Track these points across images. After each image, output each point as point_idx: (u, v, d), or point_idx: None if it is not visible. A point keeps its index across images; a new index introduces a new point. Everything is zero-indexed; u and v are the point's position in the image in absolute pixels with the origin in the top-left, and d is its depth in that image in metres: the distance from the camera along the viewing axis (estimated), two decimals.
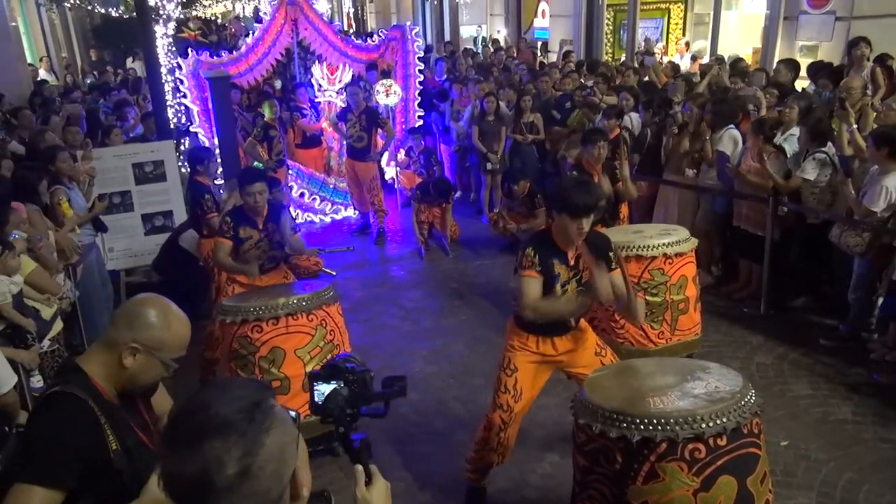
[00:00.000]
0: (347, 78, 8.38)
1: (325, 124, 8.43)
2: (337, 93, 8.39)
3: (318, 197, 8.42)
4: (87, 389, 1.83)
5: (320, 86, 8.39)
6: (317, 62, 8.33)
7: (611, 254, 3.25)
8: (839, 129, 4.99)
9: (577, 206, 3.01)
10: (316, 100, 8.40)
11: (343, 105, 8.15)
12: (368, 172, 7.73)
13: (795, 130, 5.43)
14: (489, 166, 7.97)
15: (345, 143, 7.98)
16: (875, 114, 5.34)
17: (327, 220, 8.50)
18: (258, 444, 1.07)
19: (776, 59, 8.21)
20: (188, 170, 6.94)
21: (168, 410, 2.06)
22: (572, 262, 3.20)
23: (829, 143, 5.12)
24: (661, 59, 10.07)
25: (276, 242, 4.44)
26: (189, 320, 1.97)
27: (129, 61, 15.78)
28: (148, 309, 1.89)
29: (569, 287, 3.21)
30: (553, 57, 12.08)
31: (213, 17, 22.00)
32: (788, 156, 5.37)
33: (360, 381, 1.59)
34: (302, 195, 8.30)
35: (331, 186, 8.50)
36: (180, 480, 1.06)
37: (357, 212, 8.34)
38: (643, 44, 10.60)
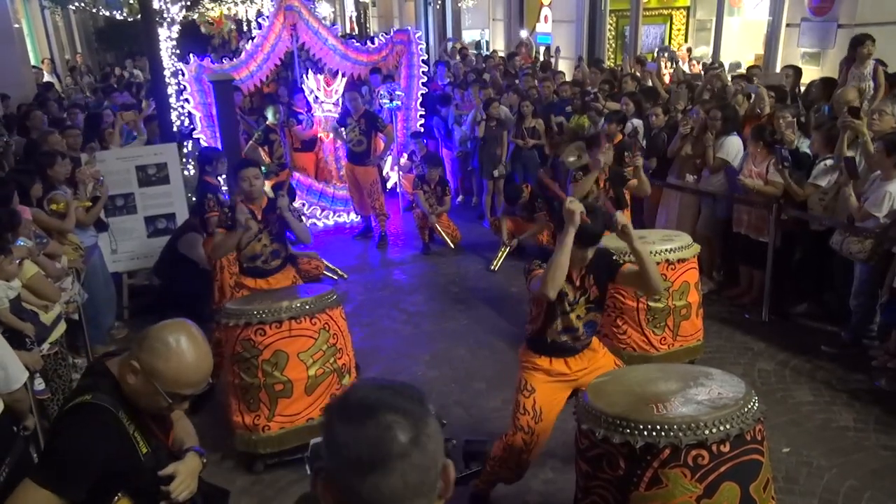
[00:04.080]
0: (342, 88, 8.36)
1: (321, 133, 8.44)
2: (334, 105, 8.37)
3: (318, 207, 8.44)
4: (115, 395, 1.84)
5: (316, 98, 8.35)
6: (311, 72, 8.28)
7: (615, 258, 3.31)
8: (841, 138, 4.98)
9: (586, 235, 3.02)
10: (313, 113, 8.38)
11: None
12: (368, 177, 7.74)
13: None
14: (496, 174, 8.00)
15: (343, 147, 8.00)
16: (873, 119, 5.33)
17: (330, 222, 8.51)
18: (424, 422, 1.14)
19: (779, 66, 8.22)
20: (194, 172, 6.97)
21: (191, 438, 2.10)
22: (578, 283, 3.22)
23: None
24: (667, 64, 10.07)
25: (276, 234, 4.43)
26: (206, 360, 1.90)
27: (129, 64, 15.83)
28: (164, 334, 1.85)
29: (577, 306, 3.23)
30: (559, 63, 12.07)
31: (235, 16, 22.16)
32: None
33: None
34: (302, 205, 8.29)
35: (330, 195, 8.50)
36: (357, 445, 1.10)
37: (359, 216, 8.36)
38: (665, 54, 10.52)
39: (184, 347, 1.84)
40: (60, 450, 1.78)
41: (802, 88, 7.06)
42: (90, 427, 1.78)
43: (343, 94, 8.18)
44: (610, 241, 3.65)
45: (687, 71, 9.58)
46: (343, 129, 7.65)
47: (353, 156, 7.73)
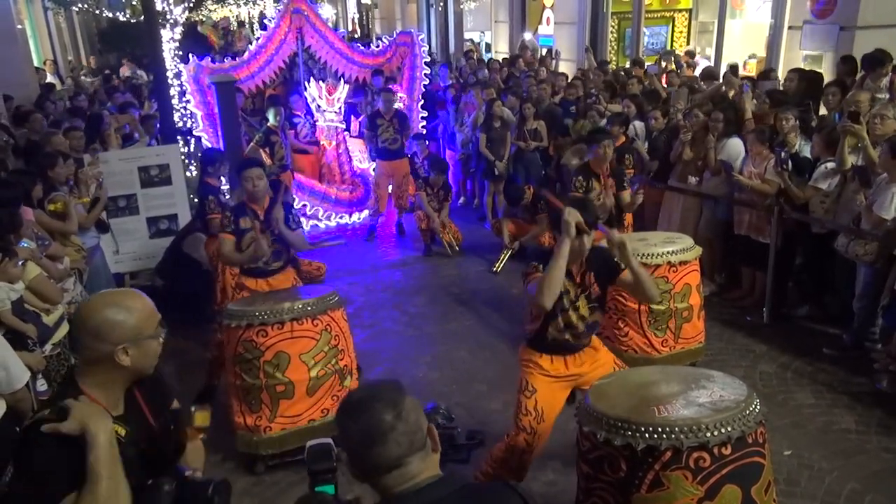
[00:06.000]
0: (344, 96, 8.39)
1: (323, 141, 8.45)
2: (336, 113, 8.38)
3: (320, 208, 8.44)
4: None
5: (318, 106, 8.36)
6: (313, 80, 8.30)
7: (616, 260, 3.29)
8: (842, 142, 4.98)
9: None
10: (316, 121, 8.40)
11: (342, 126, 8.35)
12: (402, 169, 8.00)
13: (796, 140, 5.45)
14: (496, 172, 8.00)
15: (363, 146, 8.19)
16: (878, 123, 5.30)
17: (332, 223, 8.51)
18: (401, 400, 1.56)
19: (781, 69, 8.21)
20: (195, 172, 6.97)
21: (199, 461, 2.17)
22: (578, 279, 3.24)
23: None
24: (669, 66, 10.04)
25: (279, 235, 4.43)
26: (141, 296, 1.97)
27: (123, 70, 15.75)
28: (104, 314, 1.85)
29: (579, 303, 3.24)
30: (561, 66, 12.08)
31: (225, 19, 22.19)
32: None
33: (448, 437, 1.86)
34: (304, 206, 8.29)
35: (332, 197, 8.50)
36: (359, 431, 1.52)
37: (368, 211, 8.36)
38: (671, 58, 10.48)
39: (122, 298, 1.93)
40: (29, 475, 1.72)
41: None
42: (47, 446, 1.72)
43: (378, 95, 8.13)
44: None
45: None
46: (372, 131, 7.86)
47: (388, 153, 7.91)
